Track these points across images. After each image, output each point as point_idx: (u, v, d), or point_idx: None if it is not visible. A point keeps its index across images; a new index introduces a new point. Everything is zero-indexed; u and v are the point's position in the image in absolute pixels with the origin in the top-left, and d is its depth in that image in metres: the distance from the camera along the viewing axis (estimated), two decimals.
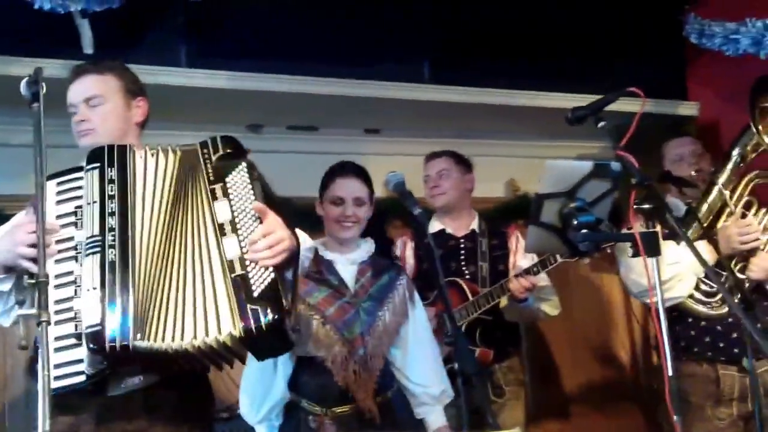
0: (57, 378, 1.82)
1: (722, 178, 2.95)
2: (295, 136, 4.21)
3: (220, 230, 1.96)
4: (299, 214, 2.42)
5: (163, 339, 1.87)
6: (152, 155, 2.07)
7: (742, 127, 2.97)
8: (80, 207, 2.00)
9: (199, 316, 1.89)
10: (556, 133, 4.38)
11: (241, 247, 1.92)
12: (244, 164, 2.03)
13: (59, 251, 1.95)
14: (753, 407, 2.69)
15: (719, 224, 2.93)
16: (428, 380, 2.62)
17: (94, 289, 1.87)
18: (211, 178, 2.02)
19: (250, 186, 2.00)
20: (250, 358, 2.05)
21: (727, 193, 2.92)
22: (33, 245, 1.86)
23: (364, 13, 3.72)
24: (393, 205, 3.18)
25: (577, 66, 4.04)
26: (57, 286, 1.90)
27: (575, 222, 2.08)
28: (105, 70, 2.24)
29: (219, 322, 1.87)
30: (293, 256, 1.99)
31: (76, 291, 1.91)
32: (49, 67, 2.20)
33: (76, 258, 1.95)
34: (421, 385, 2.62)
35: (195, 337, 1.87)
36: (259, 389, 2.51)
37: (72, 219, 2.00)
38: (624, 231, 2.70)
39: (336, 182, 2.61)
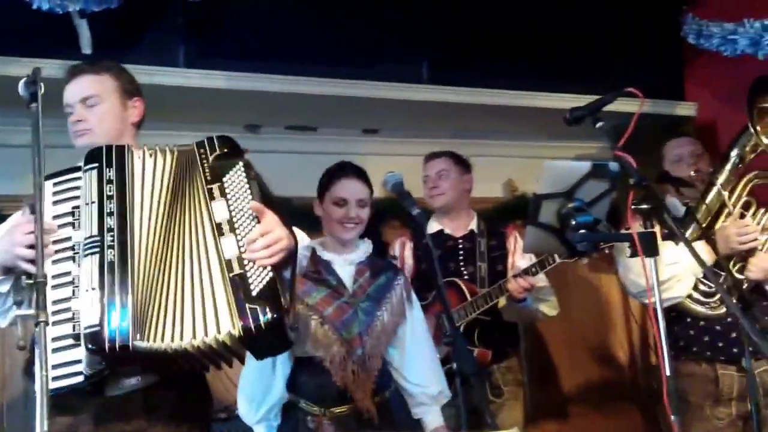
0: (55, 378, 1.82)
1: (721, 179, 2.95)
2: (294, 136, 4.21)
3: (218, 230, 1.95)
4: (298, 214, 2.42)
5: (162, 339, 1.86)
6: (150, 155, 2.06)
7: (740, 128, 2.98)
8: (77, 207, 1.99)
9: (198, 315, 1.89)
10: (554, 134, 4.39)
11: (239, 247, 1.92)
12: (241, 164, 2.03)
13: (56, 252, 1.95)
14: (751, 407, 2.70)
15: (718, 225, 2.93)
16: (426, 380, 2.63)
17: (93, 289, 1.86)
18: (209, 178, 2.02)
19: (247, 185, 1.99)
20: (248, 358, 2.05)
21: (725, 193, 2.92)
22: (31, 246, 1.85)
23: (363, 13, 3.72)
24: (391, 206, 3.18)
25: (575, 66, 4.04)
26: (54, 287, 1.89)
27: (573, 222, 2.08)
28: (101, 70, 2.24)
29: (218, 322, 1.87)
30: (291, 254, 1.99)
31: (74, 291, 1.90)
32: (48, 67, 2.18)
33: (73, 258, 1.94)
34: (419, 385, 2.62)
35: (194, 336, 1.87)
36: (258, 390, 2.51)
37: (69, 219, 1.99)
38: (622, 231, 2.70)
39: (339, 183, 2.61)
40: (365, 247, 2.68)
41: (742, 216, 2.92)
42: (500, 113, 4.14)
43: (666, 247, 2.79)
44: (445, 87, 3.92)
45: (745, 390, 2.80)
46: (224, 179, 2.01)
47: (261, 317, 1.84)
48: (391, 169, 2.44)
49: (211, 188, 2.00)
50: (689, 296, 2.91)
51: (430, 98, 3.91)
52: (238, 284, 1.88)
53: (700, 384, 2.90)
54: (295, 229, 2.07)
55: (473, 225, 3.48)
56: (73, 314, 1.88)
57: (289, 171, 3.53)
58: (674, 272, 2.84)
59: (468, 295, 3.25)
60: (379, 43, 3.77)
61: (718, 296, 2.87)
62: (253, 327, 1.84)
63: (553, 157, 4.12)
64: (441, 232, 3.45)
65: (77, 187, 2.02)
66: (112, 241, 1.91)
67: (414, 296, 2.72)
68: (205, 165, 2.04)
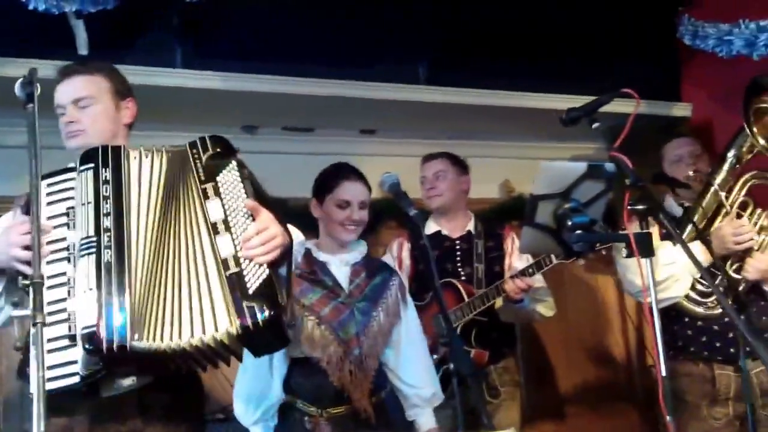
0: (50, 379, 1.80)
1: (718, 179, 2.95)
2: (291, 137, 4.21)
3: (213, 229, 1.95)
4: (294, 215, 2.41)
5: (161, 339, 1.86)
6: (146, 156, 2.06)
7: (736, 129, 2.98)
8: (72, 208, 1.99)
9: (196, 315, 1.89)
10: (550, 135, 4.39)
11: (235, 245, 1.92)
12: (234, 163, 2.03)
13: (51, 252, 1.94)
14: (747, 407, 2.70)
15: (715, 225, 2.94)
16: (420, 381, 2.63)
17: (90, 290, 1.86)
18: (202, 178, 2.02)
19: (241, 184, 1.99)
20: (244, 359, 2.04)
21: (723, 194, 2.93)
22: (27, 247, 1.85)
23: (360, 14, 3.72)
24: (388, 206, 3.18)
25: (571, 67, 4.05)
26: (50, 288, 1.88)
27: (570, 223, 2.08)
28: (94, 70, 2.22)
29: (216, 321, 1.87)
30: (287, 251, 1.99)
31: (69, 292, 1.90)
32: (44, 68, 2.17)
33: (68, 259, 1.93)
34: (413, 387, 2.63)
35: (192, 336, 1.87)
36: (254, 391, 2.51)
37: (63, 220, 1.98)
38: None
39: (343, 186, 2.60)
40: (360, 248, 2.68)
41: (738, 216, 2.92)
42: (497, 114, 4.14)
43: (663, 247, 2.80)
44: (442, 88, 3.92)
45: (742, 390, 2.81)
46: (218, 178, 2.01)
47: (258, 315, 1.84)
48: (388, 170, 2.44)
49: (206, 188, 2.00)
50: (687, 296, 2.91)
51: (428, 99, 3.92)
52: (235, 282, 1.88)
53: (698, 384, 2.90)
54: (290, 227, 2.07)
55: (470, 226, 3.48)
56: (69, 315, 1.87)
57: (287, 172, 3.53)
58: (672, 272, 2.85)
59: (465, 296, 3.25)
60: (376, 44, 3.77)
61: (715, 296, 2.87)
62: (250, 325, 1.84)
63: (550, 157, 4.13)
64: (438, 233, 3.46)
65: (71, 188, 2.01)
66: (109, 241, 1.91)
67: (408, 297, 2.72)
68: (199, 165, 2.04)
